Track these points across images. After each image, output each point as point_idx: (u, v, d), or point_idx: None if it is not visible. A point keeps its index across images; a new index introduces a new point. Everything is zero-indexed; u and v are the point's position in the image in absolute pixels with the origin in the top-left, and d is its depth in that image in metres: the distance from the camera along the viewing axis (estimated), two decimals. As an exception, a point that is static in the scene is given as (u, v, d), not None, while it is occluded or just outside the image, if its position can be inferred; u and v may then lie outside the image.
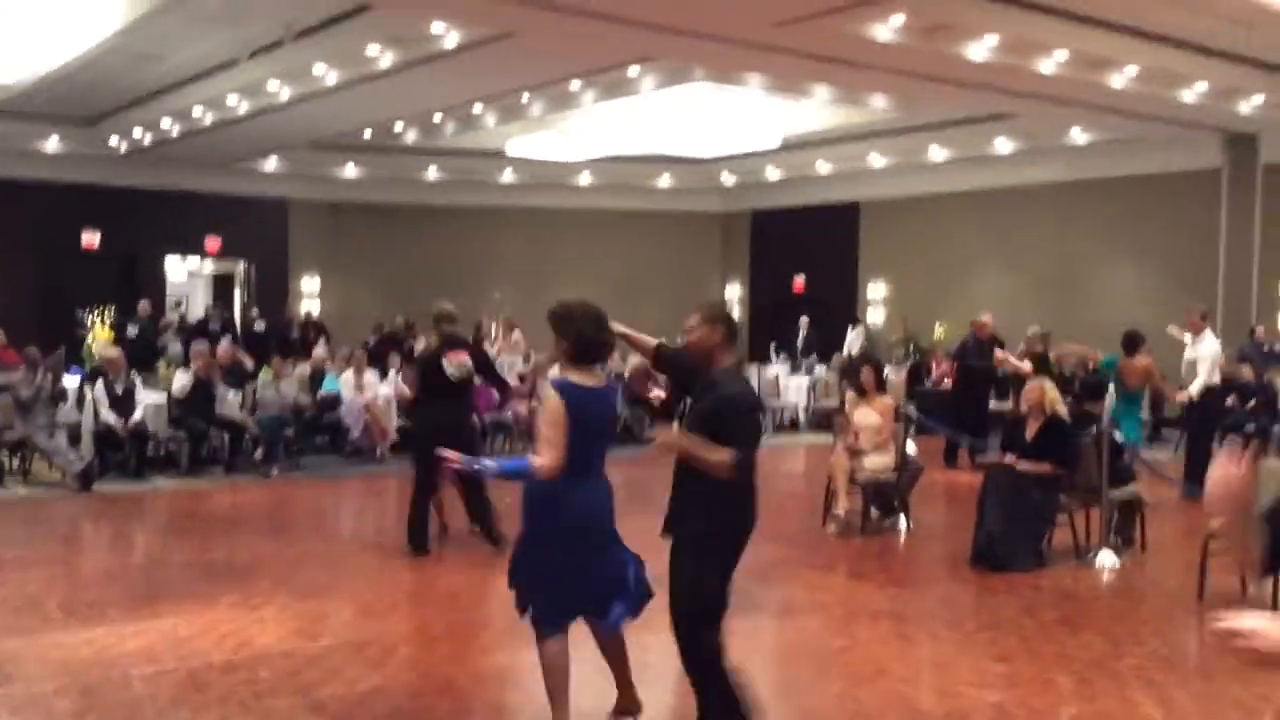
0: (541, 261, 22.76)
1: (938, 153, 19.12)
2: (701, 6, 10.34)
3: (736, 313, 23.73)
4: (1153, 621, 6.73)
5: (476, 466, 4.72)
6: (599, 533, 4.65)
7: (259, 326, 18.89)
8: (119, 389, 11.96)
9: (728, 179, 23.02)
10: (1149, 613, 6.95)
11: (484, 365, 8.97)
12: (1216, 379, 11.56)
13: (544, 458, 4.44)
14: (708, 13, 10.60)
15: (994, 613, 6.93)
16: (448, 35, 12.19)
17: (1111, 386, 10.79)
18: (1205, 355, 11.32)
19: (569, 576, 4.60)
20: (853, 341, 20.24)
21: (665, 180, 23.14)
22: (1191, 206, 16.87)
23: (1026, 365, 12.24)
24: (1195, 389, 11.24)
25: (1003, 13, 11.12)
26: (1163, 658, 6.03)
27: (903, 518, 9.50)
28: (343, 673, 5.76)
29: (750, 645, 6.43)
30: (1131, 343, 10.81)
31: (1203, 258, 16.45)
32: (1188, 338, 11.55)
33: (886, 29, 11.23)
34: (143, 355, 14.81)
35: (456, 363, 8.29)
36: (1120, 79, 12.92)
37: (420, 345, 16.37)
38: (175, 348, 15.87)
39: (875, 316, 21.60)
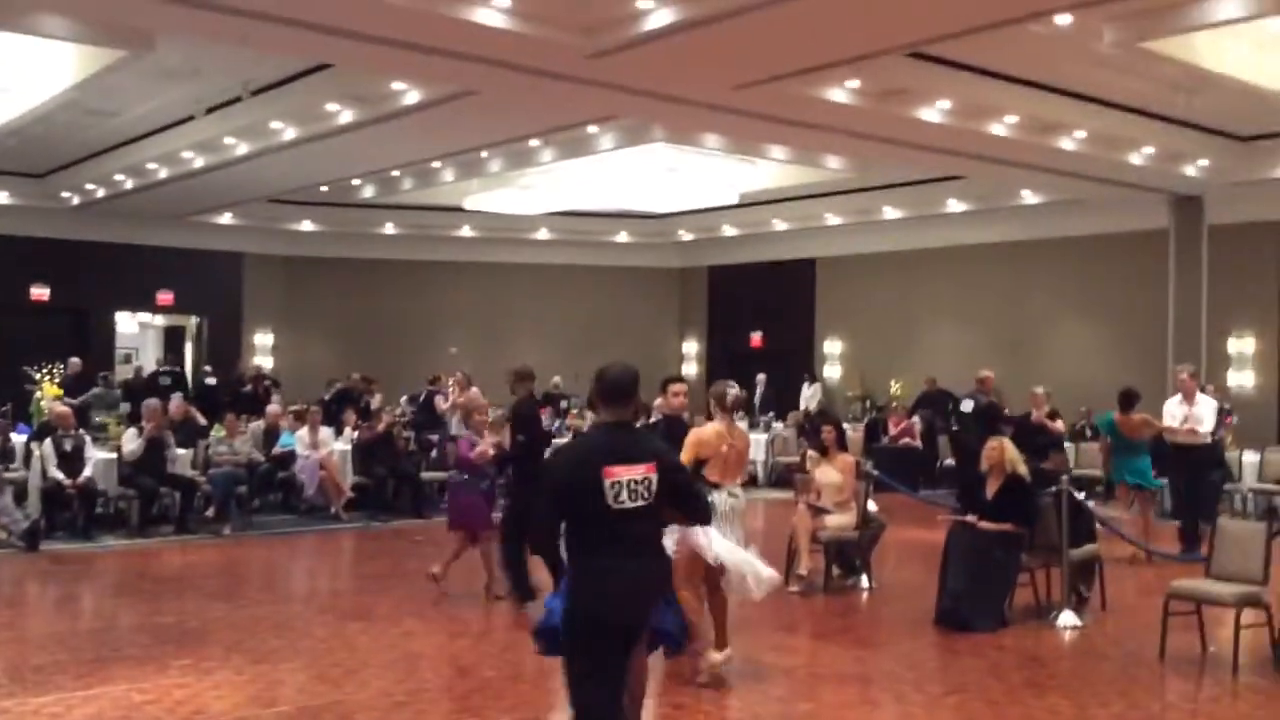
0: (498, 316, 22.75)
1: (892, 211, 19.39)
2: (663, 69, 10.45)
3: (694, 368, 23.84)
4: (1117, 682, 6.73)
5: None
6: None
7: (210, 381, 18.60)
8: (68, 446, 11.73)
9: (685, 235, 23.19)
10: (1112, 673, 6.96)
11: None
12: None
13: None
14: (669, 75, 10.72)
15: (960, 675, 6.91)
16: (408, 93, 12.23)
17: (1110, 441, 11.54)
18: (1209, 410, 11.38)
19: None
20: (810, 398, 20.34)
21: (622, 235, 23.27)
22: (1141, 265, 17.22)
23: (1060, 424, 12.63)
24: (1205, 429, 11.33)
25: (955, 77, 11.38)
26: (1128, 720, 6.04)
27: (865, 577, 9.49)
28: (300, 742, 5.63)
29: (715, 709, 6.37)
30: (1128, 400, 11.31)
31: (1153, 315, 16.76)
32: (1176, 400, 11.55)
33: (843, 92, 11.42)
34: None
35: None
36: (1070, 142, 13.22)
37: (376, 401, 16.31)
38: (124, 406, 15.57)
39: (832, 372, 21.75)
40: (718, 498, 6.57)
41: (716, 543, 6.36)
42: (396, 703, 6.29)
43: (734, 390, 6.88)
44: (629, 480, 4.22)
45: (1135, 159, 14.03)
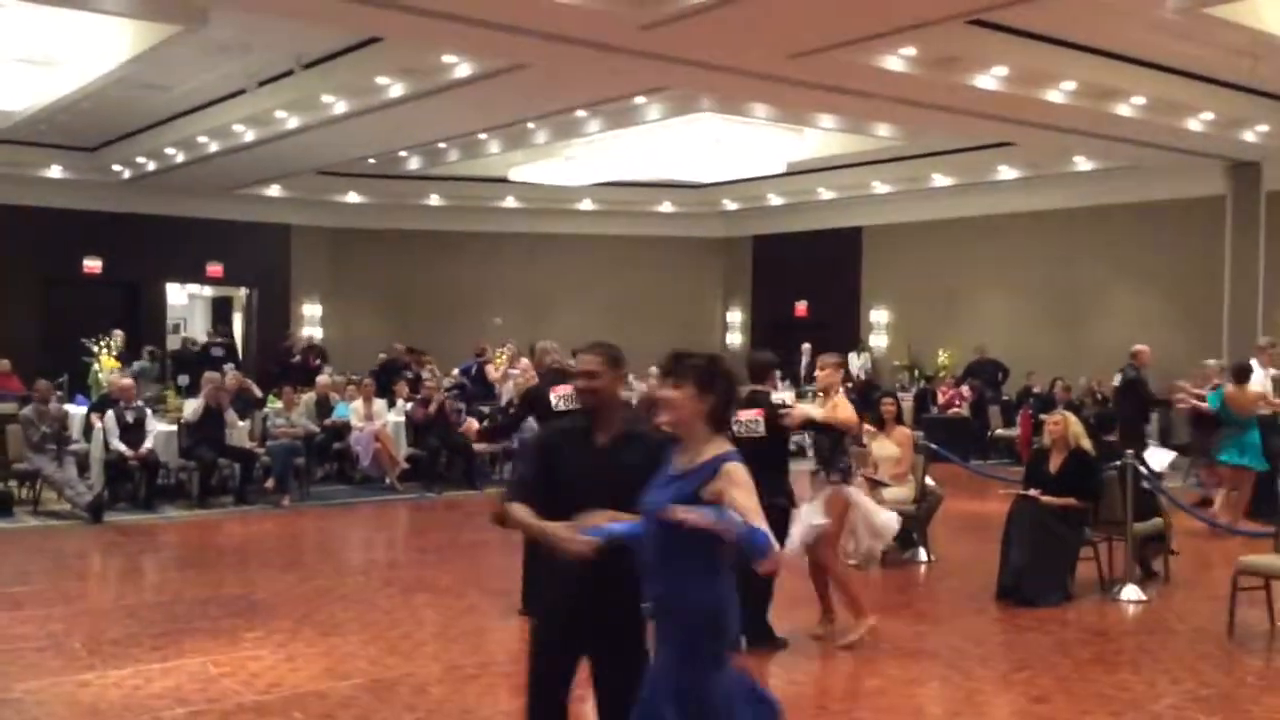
0: (543, 287, 22.79)
1: (941, 179, 19.19)
2: (716, 39, 10.37)
3: (737, 338, 23.82)
4: (1186, 659, 6.70)
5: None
6: None
7: (216, 352, 18.59)
8: (129, 418, 11.90)
9: (729, 204, 23.07)
10: (1181, 650, 6.93)
11: None
12: None
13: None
14: (722, 45, 10.64)
15: (1026, 650, 6.90)
16: (459, 66, 12.21)
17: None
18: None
19: None
20: (860, 366, 20.24)
21: (667, 205, 23.19)
22: (1196, 233, 16.97)
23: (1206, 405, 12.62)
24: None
25: (1013, 44, 11.20)
26: (1200, 698, 6.00)
27: (923, 550, 9.47)
28: (377, 713, 5.71)
29: (783, 684, 6.40)
30: (1243, 373, 11.18)
31: (1207, 284, 16.53)
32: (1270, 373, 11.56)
33: (898, 60, 11.29)
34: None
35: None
36: (1128, 108, 13.01)
37: (427, 374, 16.41)
38: (182, 378, 15.76)
39: (878, 342, 21.63)
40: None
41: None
42: (468, 676, 6.37)
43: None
44: None
45: (1194, 125, 13.79)
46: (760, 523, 3.23)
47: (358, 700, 5.91)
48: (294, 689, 6.08)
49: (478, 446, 13.38)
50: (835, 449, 7.07)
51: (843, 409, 7.00)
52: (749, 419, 6.88)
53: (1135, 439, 12.36)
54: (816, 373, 7.50)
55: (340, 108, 13.88)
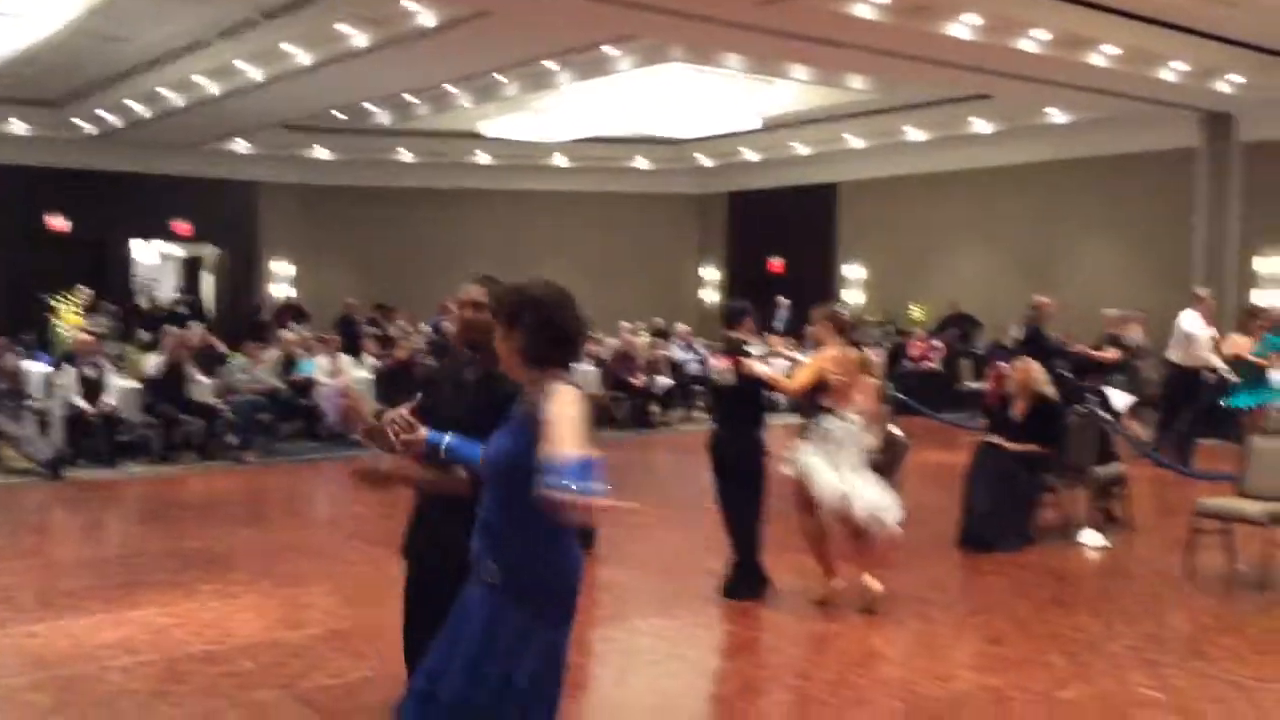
0: (516, 244, 22.57)
1: (915, 133, 19.07)
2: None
3: (713, 294, 23.72)
4: (1144, 601, 6.71)
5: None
6: None
7: (181, 310, 18.38)
8: (90, 373, 11.74)
9: (704, 160, 22.89)
10: (1139, 592, 6.94)
11: None
12: None
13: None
14: (689, -10, 10.49)
15: (985, 594, 6.89)
16: (421, 14, 11.99)
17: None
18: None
19: None
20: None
21: (641, 161, 22.99)
22: (1169, 185, 16.90)
23: (1112, 353, 12.57)
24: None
25: (984, -10, 11.08)
26: (1157, 638, 6.00)
27: (887, 499, 9.44)
28: (328, 664, 5.66)
29: (742, 629, 6.39)
30: None
31: (1181, 236, 16.49)
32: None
33: (869, 7, 11.14)
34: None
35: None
36: (1100, 58, 12.90)
37: (395, 330, 16.27)
38: (142, 334, 15.61)
39: (853, 297, 21.56)
40: (833, 424, 6.49)
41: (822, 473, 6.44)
42: (423, 624, 6.30)
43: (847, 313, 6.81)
44: None
45: (1167, 75, 13.70)
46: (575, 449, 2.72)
47: (309, 650, 5.85)
48: (247, 639, 6.02)
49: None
50: (813, 412, 6.77)
51: (803, 373, 6.64)
52: (722, 367, 6.76)
53: None
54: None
55: (303, 59, 13.63)
